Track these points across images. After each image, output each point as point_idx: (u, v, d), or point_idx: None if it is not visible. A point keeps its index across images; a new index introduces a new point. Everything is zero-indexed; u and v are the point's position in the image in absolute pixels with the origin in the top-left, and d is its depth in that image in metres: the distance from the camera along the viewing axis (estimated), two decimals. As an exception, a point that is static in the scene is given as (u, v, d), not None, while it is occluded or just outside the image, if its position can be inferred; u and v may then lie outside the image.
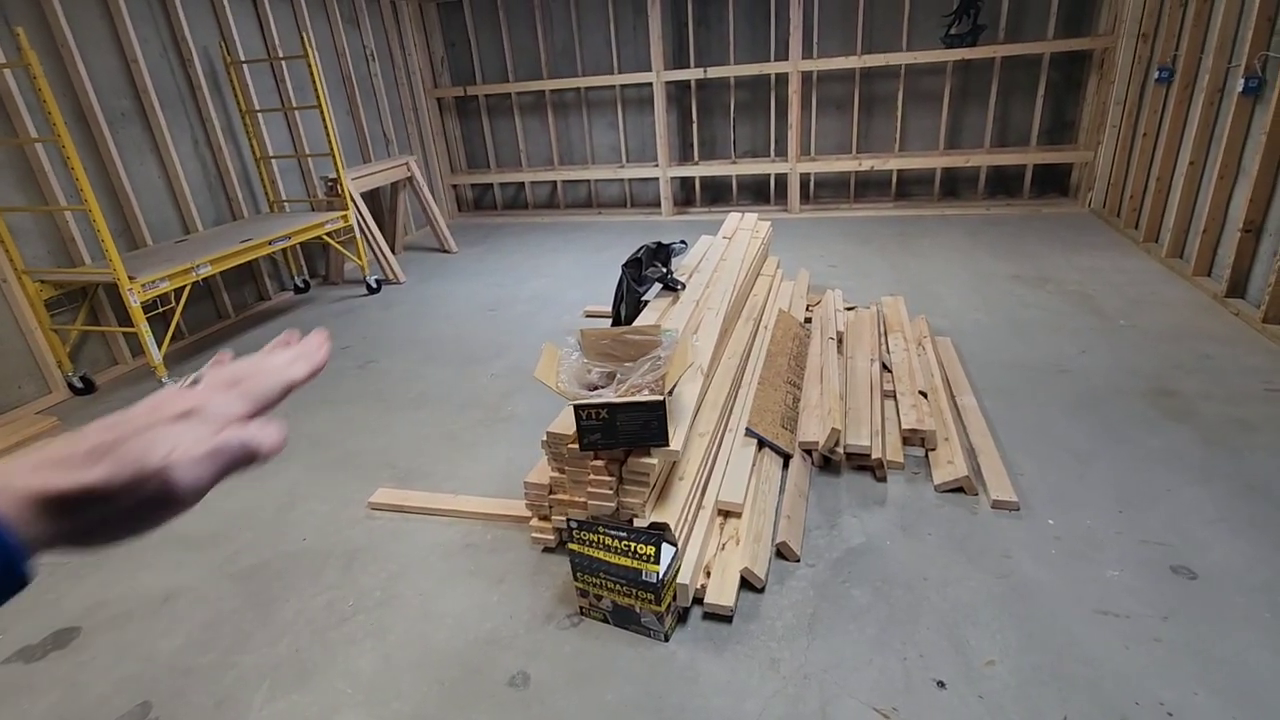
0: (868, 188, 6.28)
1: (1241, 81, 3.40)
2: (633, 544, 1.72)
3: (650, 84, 6.10)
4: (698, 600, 1.85)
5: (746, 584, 1.90)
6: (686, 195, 6.78)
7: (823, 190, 6.38)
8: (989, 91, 5.62)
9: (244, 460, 0.40)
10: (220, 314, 4.48)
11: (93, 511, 0.36)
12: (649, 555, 1.70)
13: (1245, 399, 2.66)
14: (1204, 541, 1.97)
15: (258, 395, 0.43)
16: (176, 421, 0.39)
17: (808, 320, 3.49)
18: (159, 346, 3.36)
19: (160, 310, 3.63)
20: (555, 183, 6.96)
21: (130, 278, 3.18)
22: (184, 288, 3.49)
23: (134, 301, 3.18)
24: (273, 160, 4.81)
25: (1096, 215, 5.29)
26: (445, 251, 5.83)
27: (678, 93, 6.38)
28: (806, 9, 5.68)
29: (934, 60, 5.50)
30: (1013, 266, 4.33)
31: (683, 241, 3.28)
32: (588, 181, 6.88)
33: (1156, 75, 4.34)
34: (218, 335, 4.28)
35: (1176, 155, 4.14)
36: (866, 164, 5.85)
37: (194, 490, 0.38)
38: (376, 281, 4.88)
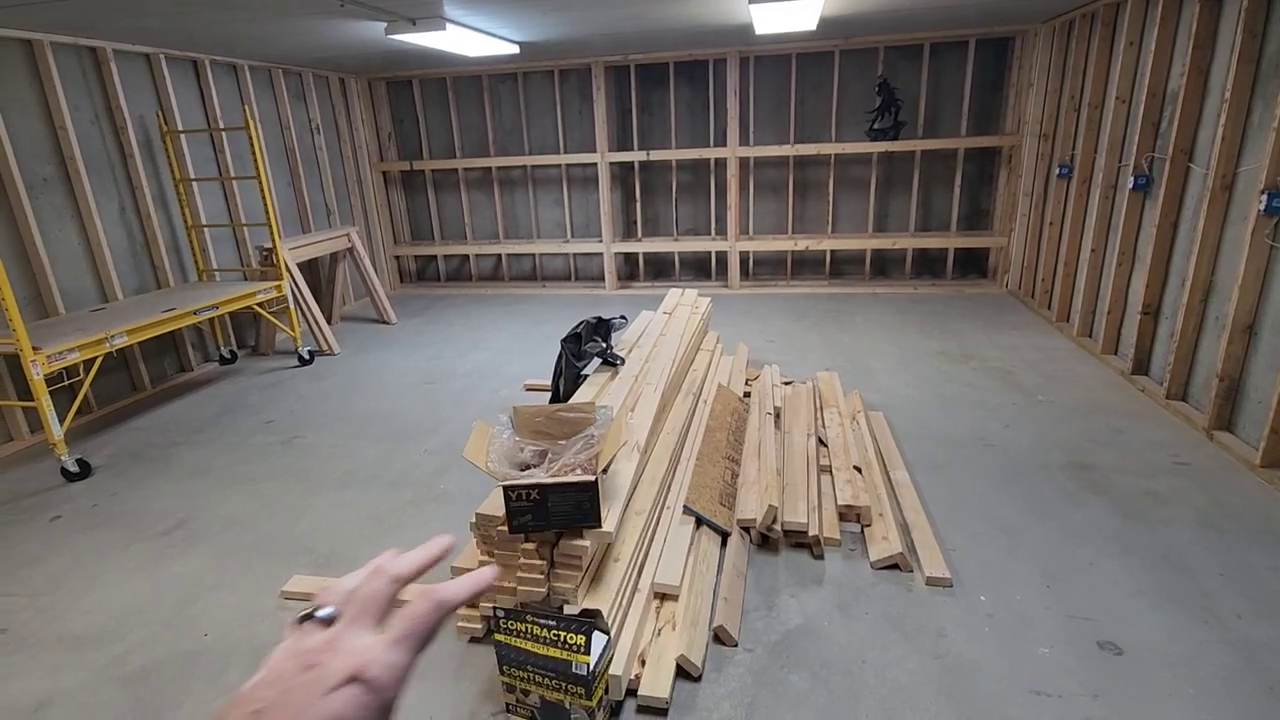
0: (804, 266, 6.55)
1: (1131, 179, 3.74)
2: (562, 633, 1.64)
3: (595, 164, 6.31)
4: (631, 692, 1.76)
5: (683, 672, 1.83)
6: (630, 270, 6.91)
7: (761, 268, 6.62)
8: (911, 180, 6.02)
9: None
10: (136, 386, 4.24)
11: None
12: (579, 645, 1.62)
13: (1155, 472, 2.79)
14: (1127, 615, 2.01)
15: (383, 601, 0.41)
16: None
17: (747, 395, 3.53)
18: (62, 422, 3.13)
19: (68, 383, 3.41)
20: (500, 256, 7.01)
21: (35, 348, 2.98)
22: (95, 359, 3.30)
23: (36, 374, 2.97)
24: (205, 229, 4.69)
25: (1014, 295, 5.63)
26: (384, 322, 5.73)
27: (622, 173, 6.60)
28: (743, 102, 6.04)
29: (860, 151, 5.89)
30: (939, 343, 4.52)
31: (623, 317, 3.32)
32: (532, 255, 6.96)
33: (1058, 171, 4.75)
34: (132, 408, 4.03)
35: (1080, 243, 4.48)
36: (801, 244, 6.12)
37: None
38: (309, 353, 4.73)
